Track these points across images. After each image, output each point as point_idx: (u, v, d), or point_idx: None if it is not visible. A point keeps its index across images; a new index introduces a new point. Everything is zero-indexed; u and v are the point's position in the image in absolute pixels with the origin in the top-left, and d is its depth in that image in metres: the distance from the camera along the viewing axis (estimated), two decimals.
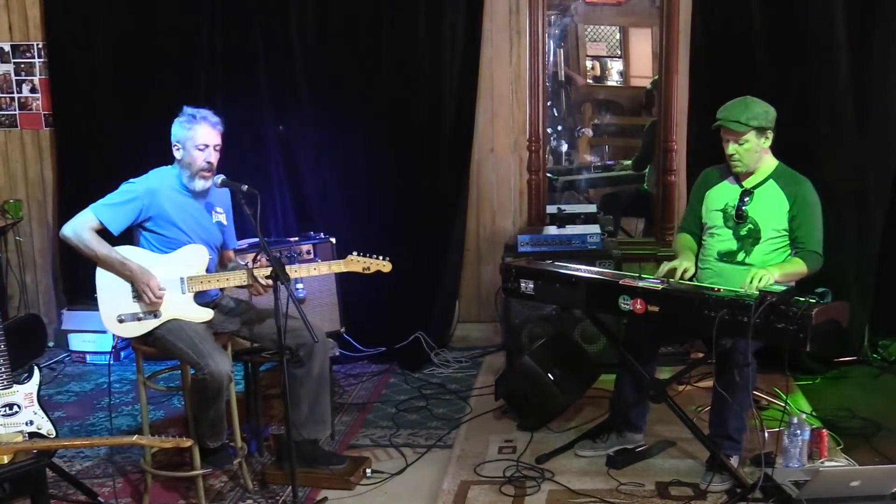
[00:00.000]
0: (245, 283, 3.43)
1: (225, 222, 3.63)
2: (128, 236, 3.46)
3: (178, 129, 3.44)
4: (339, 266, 3.57)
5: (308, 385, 3.52)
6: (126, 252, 3.37)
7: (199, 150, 3.41)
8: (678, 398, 3.80)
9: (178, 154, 3.45)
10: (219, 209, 3.60)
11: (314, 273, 3.56)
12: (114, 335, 3.66)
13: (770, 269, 3.32)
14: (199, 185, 3.44)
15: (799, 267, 3.46)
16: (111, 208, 3.36)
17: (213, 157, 3.44)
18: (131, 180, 3.44)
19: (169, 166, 3.51)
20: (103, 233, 3.36)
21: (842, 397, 4.33)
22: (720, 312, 3.09)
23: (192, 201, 3.49)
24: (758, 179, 3.58)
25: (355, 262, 3.54)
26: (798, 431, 3.47)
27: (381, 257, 3.55)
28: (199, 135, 3.41)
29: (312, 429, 3.58)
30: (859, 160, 4.64)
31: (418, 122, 5.09)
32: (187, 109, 3.47)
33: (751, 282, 3.26)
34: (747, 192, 3.58)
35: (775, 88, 4.48)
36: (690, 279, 3.51)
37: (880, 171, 4.69)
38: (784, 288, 3.14)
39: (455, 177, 5.15)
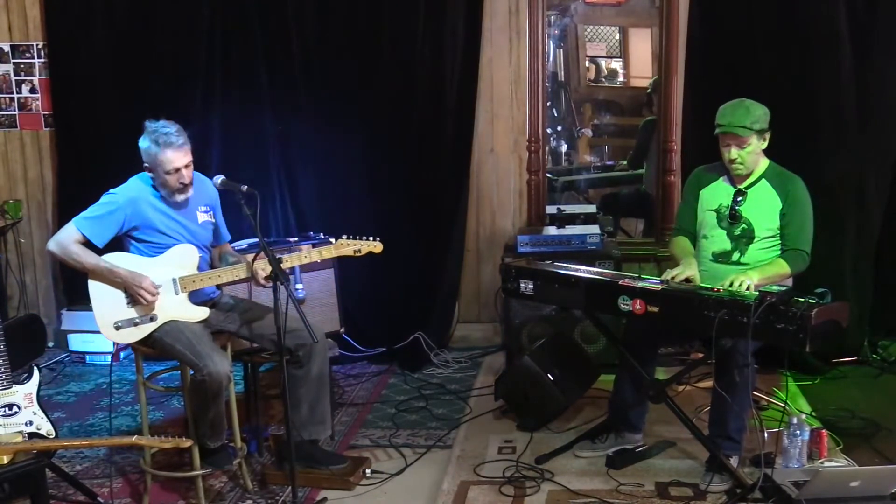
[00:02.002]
0: (238, 279, 3.42)
1: (213, 219, 3.60)
2: (117, 243, 3.44)
3: (145, 152, 3.36)
4: (330, 251, 3.57)
5: (308, 386, 3.51)
6: (114, 259, 3.35)
7: (169, 174, 3.35)
8: (678, 398, 3.79)
9: (150, 173, 3.40)
10: (203, 208, 3.56)
11: (305, 260, 3.56)
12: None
13: (749, 274, 3.33)
14: (180, 198, 3.41)
15: (781, 269, 3.45)
16: (93, 221, 3.34)
17: (187, 176, 3.38)
18: (111, 191, 3.41)
19: (148, 173, 3.46)
20: (89, 245, 3.34)
21: (841, 397, 4.33)
22: (720, 313, 3.09)
23: (174, 206, 3.46)
24: (750, 180, 3.58)
25: (345, 246, 3.54)
26: (798, 432, 3.47)
27: (371, 238, 3.55)
28: (166, 160, 3.33)
29: (312, 429, 3.58)
30: (860, 159, 4.64)
31: (418, 122, 5.09)
32: (149, 126, 3.37)
33: (730, 286, 3.27)
34: (740, 193, 3.58)
35: (776, 86, 4.48)
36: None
37: (881, 170, 4.69)
38: (783, 288, 3.14)
39: (455, 177, 5.15)
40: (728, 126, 3.46)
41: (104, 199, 3.39)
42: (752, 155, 3.50)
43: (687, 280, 3.42)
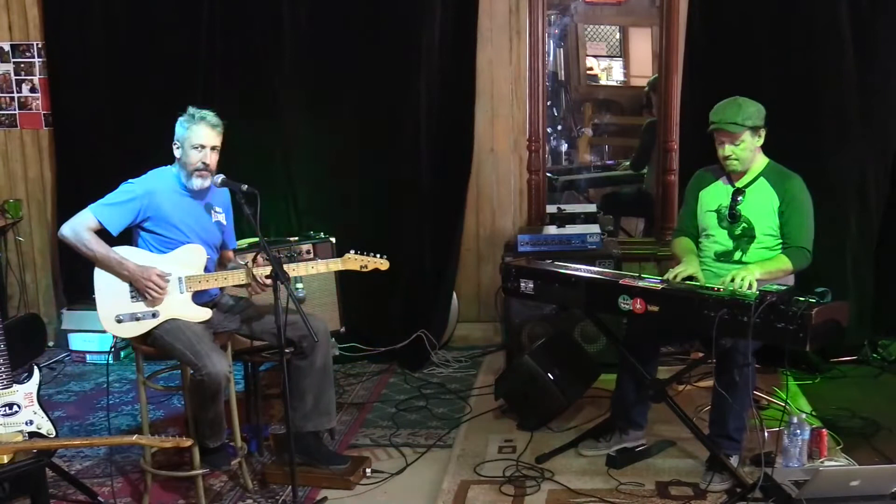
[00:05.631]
0: (243, 283, 3.43)
1: (224, 222, 3.63)
2: (127, 238, 3.46)
3: (179, 128, 3.45)
4: (337, 264, 3.58)
5: (312, 377, 3.52)
6: (124, 252, 3.37)
7: (195, 149, 3.40)
8: (678, 398, 3.79)
9: (177, 153, 3.45)
10: (218, 209, 3.59)
11: (312, 272, 3.57)
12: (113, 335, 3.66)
13: (750, 269, 3.34)
14: (196, 184, 3.44)
15: (783, 264, 3.47)
16: (110, 208, 3.36)
17: (210, 158, 3.42)
18: (130, 181, 3.44)
19: (168, 166, 3.51)
20: (102, 233, 3.36)
21: (842, 397, 4.32)
22: (720, 312, 3.09)
23: (191, 200, 3.49)
24: (749, 178, 3.59)
25: (353, 261, 3.55)
26: (798, 431, 3.47)
27: (378, 255, 3.56)
28: (195, 134, 3.40)
29: (317, 421, 3.58)
30: (861, 159, 4.63)
31: (417, 121, 5.08)
32: (190, 109, 3.46)
33: (731, 281, 3.28)
34: (739, 192, 3.59)
35: (777, 86, 4.48)
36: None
37: (882, 170, 4.68)
38: (784, 287, 3.14)
39: (455, 176, 5.15)
40: (719, 123, 3.49)
41: (123, 187, 3.42)
42: (746, 151, 3.51)
43: (690, 278, 3.42)
